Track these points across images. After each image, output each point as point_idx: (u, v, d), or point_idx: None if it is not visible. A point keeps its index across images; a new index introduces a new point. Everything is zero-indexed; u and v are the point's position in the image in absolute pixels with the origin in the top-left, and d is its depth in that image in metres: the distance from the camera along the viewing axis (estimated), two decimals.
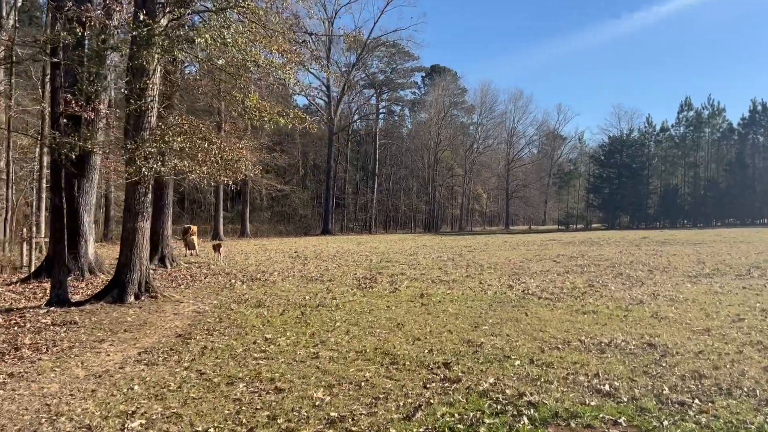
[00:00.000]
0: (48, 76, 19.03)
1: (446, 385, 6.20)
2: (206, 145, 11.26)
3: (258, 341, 8.25)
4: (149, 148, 10.39)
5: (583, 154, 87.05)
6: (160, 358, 7.23)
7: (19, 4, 28.68)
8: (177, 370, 6.69)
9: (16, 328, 9.03)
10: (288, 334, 8.74)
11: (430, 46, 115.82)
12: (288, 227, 55.50)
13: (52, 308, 10.90)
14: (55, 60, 11.46)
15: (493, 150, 79.57)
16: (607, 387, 6.13)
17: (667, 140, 75.07)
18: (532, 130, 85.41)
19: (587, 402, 5.66)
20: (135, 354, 7.49)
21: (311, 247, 30.45)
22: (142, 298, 11.81)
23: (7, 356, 7.20)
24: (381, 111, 69.71)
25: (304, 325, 9.38)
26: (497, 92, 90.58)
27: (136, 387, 5.92)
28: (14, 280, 16.05)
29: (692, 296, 12.53)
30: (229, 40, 10.35)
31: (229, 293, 13.25)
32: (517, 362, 7.19)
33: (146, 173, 10.57)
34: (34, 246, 18.86)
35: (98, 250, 27.73)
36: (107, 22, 10.76)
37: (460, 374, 6.60)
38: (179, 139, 10.72)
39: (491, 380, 6.37)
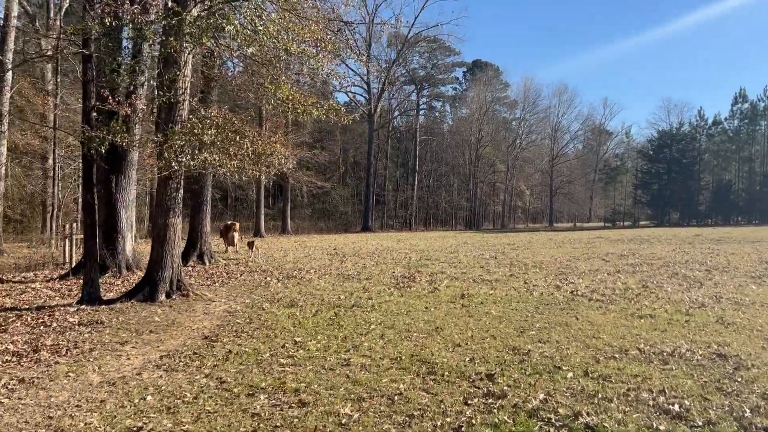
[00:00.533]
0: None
1: (490, 401, 5.49)
2: (237, 139, 10.79)
3: (287, 345, 7.69)
4: (178, 141, 9.97)
5: (631, 149, 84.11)
6: (181, 364, 6.73)
7: (66, 5, 29.12)
8: (197, 377, 6.17)
9: (42, 327, 8.72)
10: (319, 337, 8.15)
11: (471, 41, 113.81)
12: (328, 224, 55.28)
13: (83, 306, 10.62)
14: (86, 52, 11.18)
15: (536, 145, 77.67)
16: (676, 407, 5.33)
17: (720, 134, 71.93)
18: (577, 125, 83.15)
19: (655, 426, 4.88)
20: (156, 358, 7.02)
21: (350, 244, 29.96)
22: (174, 296, 11.45)
23: (24, 359, 6.83)
24: (421, 107, 68.87)
25: (336, 328, 8.79)
26: (541, 87, 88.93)
27: (149, 398, 5.41)
28: (55, 277, 16.01)
29: (759, 299, 11.46)
30: (260, 28, 9.84)
31: (263, 292, 12.79)
32: (570, 374, 6.42)
33: (176, 167, 10.16)
34: (75, 242, 18.90)
35: (139, 247, 27.90)
36: (144, 18, 10.40)
37: (505, 388, 5.88)
38: (210, 132, 10.27)
39: (541, 396, 5.62)
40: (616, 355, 7.28)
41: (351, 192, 62.66)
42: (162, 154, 10.19)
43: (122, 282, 14.59)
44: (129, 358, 6.99)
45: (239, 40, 10.09)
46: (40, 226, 31.84)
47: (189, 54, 11.36)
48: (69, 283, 14.95)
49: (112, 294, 12.36)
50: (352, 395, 5.60)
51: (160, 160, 10.44)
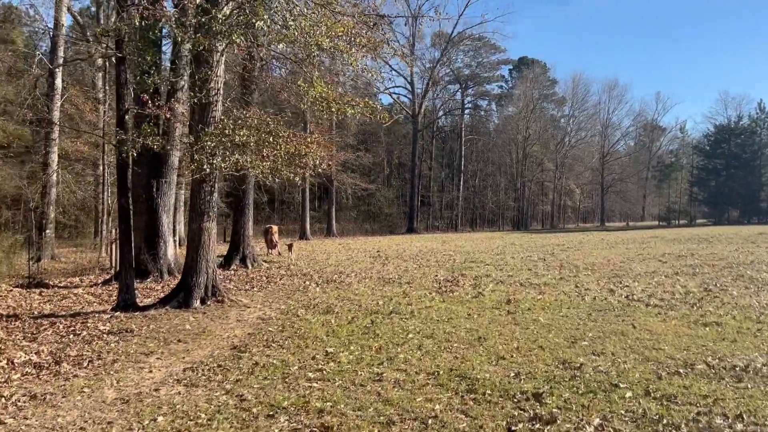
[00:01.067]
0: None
1: (537, 426, 4.82)
2: (271, 139, 10.38)
3: (317, 356, 7.17)
4: (209, 143, 9.62)
5: (686, 144, 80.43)
6: (203, 378, 6.29)
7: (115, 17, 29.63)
8: (216, 393, 5.71)
9: (71, 336, 8.49)
10: (352, 347, 7.60)
11: (517, 37, 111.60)
12: (373, 226, 54.89)
13: (117, 313, 10.41)
14: (119, 54, 11.00)
15: (586, 143, 75.28)
16: None
17: None
18: (628, 122, 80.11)
19: None
20: (179, 371, 6.61)
21: (394, 246, 29.41)
22: (208, 302, 11.13)
23: (44, 371, 6.54)
24: (466, 106, 67.73)
25: (371, 337, 8.22)
26: (590, 82, 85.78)
27: (160, 419, 4.97)
28: (98, 282, 16.06)
29: None
30: (291, 23, 9.39)
31: (301, 297, 12.36)
32: (629, 393, 5.67)
33: (207, 170, 9.82)
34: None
35: (182, 252, 28.14)
36: (182, 19, 10.14)
37: (554, 410, 5.19)
38: (242, 133, 9.89)
39: (597, 421, 4.92)
40: (681, 370, 6.47)
41: (396, 194, 62.09)
42: (194, 156, 9.87)
43: (162, 287, 14.44)
44: (151, 371, 6.61)
45: (269, 37, 9.68)
46: (93, 231, 32.56)
47: (221, 54, 11.04)
48: (111, 288, 14.90)
49: (150, 300, 12.16)
50: (382, 417, 5.02)
51: (192, 162, 10.13)
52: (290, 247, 22.85)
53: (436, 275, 15.88)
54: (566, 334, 8.39)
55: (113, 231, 20.43)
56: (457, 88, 64.76)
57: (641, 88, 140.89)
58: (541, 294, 12.28)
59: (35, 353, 7.29)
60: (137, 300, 12.31)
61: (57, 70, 25.00)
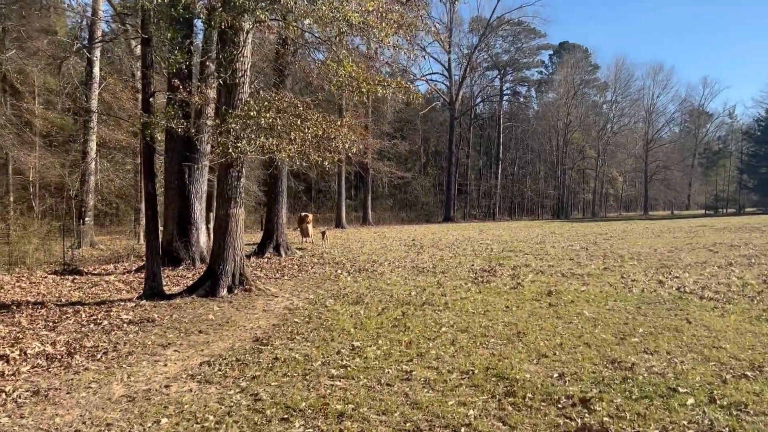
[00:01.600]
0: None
1: None
2: (299, 122, 9.87)
3: (342, 351, 6.66)
4: (233, 125, 9.17)
5: (735, 130, 76.77)
6: (219, 373, 5.84)
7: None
8: (230, 392, 5.25)
9: (92, 325, 8.19)
10: (380, 341, 7.06)
11: (558, 22, 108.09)
12: (410, 214, 54.28)
13: (143, 302, 10.13)
14: (144, 35, 10.64)
15: (629, 129, 72.73)
16: None
17: None
18: (673, 107, 76.97)
19: None
20: (195, 365, 6.19)
21: (430, 235, 28.76)
22: (235, 291, 10.75)
23: (54, 363, 6.20)
24: (505, 92, 66.23)
25: (402, 330, 7.66)
26: (633, 67, 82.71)
27: (163, 420, 4.51)
28: (132, 269, 15.95)
29: None
30: None
31: (331, 286, 11.89)
32: (690, 400, 4.98)
33: (232, 153, 9.38)
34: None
35: None
36: (213, 3, 9.72)
37: (605, 419, 4.55)
38: (268, 115, 9.40)
39: None
40: (748, 373, 5.72)
41: (432, 182, 61.25)
42: (218, 139, 9.45)
43: (194, 275, 14.19)
44: (166, 365, 6.20)
45: (296, 12, 9.14)
46: (132, 219, 32.89)
47: (248, 33, 10.57)
48: (142, 275, 14.75)
49: (178, 288, 11.88)
50: (408, 424, 4.46)
51: (217, 146, 9.72)
52: (323, 234, 22.52)
53: (473, 265, 15.21)
54: (614, 330, 7.68)
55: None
56: (495, 75, 63.37)
57: (687, 72, 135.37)
58: (585, 285, 11.51)
59: (51, 344, 6.98)
60: (164, 288, 12.07)
61: (95, 58, 25.09)
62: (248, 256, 18.80)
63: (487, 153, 67.29)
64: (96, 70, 25.05)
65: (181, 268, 15.77)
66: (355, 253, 19.47)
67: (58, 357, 6.39)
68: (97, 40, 24.02)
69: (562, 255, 17.24)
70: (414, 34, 10.76)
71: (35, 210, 29.15)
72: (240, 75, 10.50)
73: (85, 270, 16.02)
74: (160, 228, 18.91)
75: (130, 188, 30.37)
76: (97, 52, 25.50)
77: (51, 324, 8.31)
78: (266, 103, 9.95)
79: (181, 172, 16.36)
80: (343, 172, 42.12)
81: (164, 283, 13.08)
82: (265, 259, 18.21)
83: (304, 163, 10.15)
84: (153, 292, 10.75)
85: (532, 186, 67.10)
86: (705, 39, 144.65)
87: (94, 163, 26.08)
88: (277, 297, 10.52)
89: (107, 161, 27.51)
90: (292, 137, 9.97)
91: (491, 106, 66.05)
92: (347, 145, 10.27)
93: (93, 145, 25.87)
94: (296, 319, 8.47)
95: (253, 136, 9.30)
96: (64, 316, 8.82)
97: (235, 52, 9.94)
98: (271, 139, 9.39)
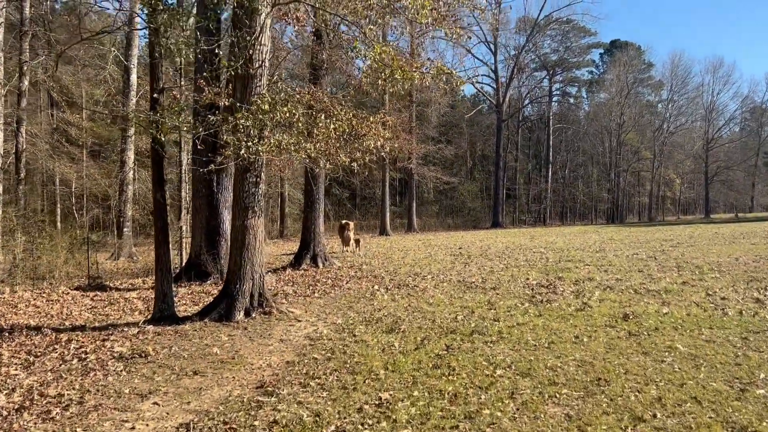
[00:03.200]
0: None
1: None
2: (323, 117, 8.34)
3: (366, 407, 5.01)
4: (243, 121, 7.70)
5: None
6: None
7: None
8: None
9: (74, 361, 6.80)
10: (416, 392, 5.37)
11: (609, 19, 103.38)
12: (456, 220, 52.24)
13: (148, 327, 8.75)
14: (152, 26, 9.34)
15: (687, 129, 68.50)
16: None
17: None
18: (734, 105, 71.94)
19: None
20: (172, 426, 4.67)
21: (478, 243, 26.81)
22: (253, 314, 9.25)
23: None
24: (554, 93, 63.38)
25: (444, 374, 5.94)
26: (691, 63, 77.92)
27: None
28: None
29: None
30: None
31: (364, 306, 10.26)
32: None
33: (245, 154, 7.90)
34: (184, 246, 17.80)
35: (265, 249, 26.92)
36: None
37: None
38: (285, 110, 7.90)
39: None
40: None
41: (479, 187, 58.99)
42: (225, 138, 8.01)
43: (220, 291, 12.86)
44: (134, 428, 4.70)
45: None
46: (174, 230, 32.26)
47: (266, 17, 9.11)
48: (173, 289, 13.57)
49: (199, 307, 10.51)
50: None
51: (224, 146, 8.28)
52: (357, 243, 20.99)
53: (527, 278, 13.32)
54: (725, 374, 5.77)
55: (181, 228, 19.30)
56: (543, 75, 60.71)
57: (749, 67, 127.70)
58: (666, 305, 9.51)
59: (10, 390, 5.60)
60: (182, 308, 10.75)
61: (132, 66, 24.40)
62: (284, 268, 17.47)
63: (537, 156, 64.58)
64: (133, 77, 24.35)
65: (208, 282, 14.51)
66: (396, 264, 17.82)
67: (4, 414, 4.98)
68: (135, 57, 23.29)
69: (629, 266, 15.12)
70: (455, 10, 9.07)
71: (77, 221, 28.77)
72: (257, 65, 9.05)
73: (111, 285, 14.95)
74: (187, 239, 17.83)
75: (169, 198, 29.60)
76: (134, 60, 24.81)
77: (32, 358, 6.97)
78: (283, 95, 8.46)
79: (209, 179, 15.13)
80: (387, 177, 40.57)
81: (185, 301, 11.79)
82: (302, 271, 16.80)
83: (329, 164, 8.59)
84: (163, 314, 9.38)
85: (584, 189, 63.88)
86: (762, 32, 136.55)
87: (132, 172, 25.38)
88: (300, 321, 8.96)
89: (146, 171, 26.73)
90: (315, 134, 8.44)
91: (540, 108, 63.32)
92: (379, 144, 8.65)
93: (131, 155, 25.16)
94: (316, 355, 6.86)
95: (266, 134, 7.80)
96: (52, 348, 7.49)
97: (249, 39, 8.49)
98: (288, 136, 7.87)
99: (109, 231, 27.07)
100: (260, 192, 9.48)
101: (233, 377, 6.09)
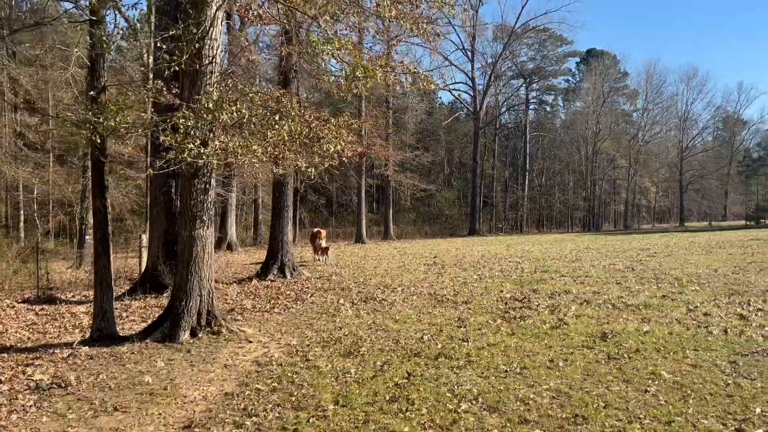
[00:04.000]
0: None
1: None
2: (277, 118, 7.56)
3: None
4: (184, 121, 6.88)
5: None
6: None
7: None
8: None
9: None
10: None
11: (585, 28, 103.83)
12: (433, 228, 51.61)
13: (82, 348, 7.82)
14: (93, 18, 8.50)
15: (662, 138, 68.91)
16: None
17: None
18: (708, 115, 72.56)
19: None
20: None
21: (453, 251, 26.15)
22: (200, 334, 8.37)
23: None
24: (531, 101, 63.34)
25: (401, 410, 5.16)
26: (666, 72, 78.64)
27: None
28: (118, 294, 13.86)
29: None
30: None
31: (326, 323, 9.45)
32: None
33: (187, 157, 7.07)
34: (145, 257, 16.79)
35: (235, 257, 25.84)
36: None
37: None
38: (233, 108, 7.10)
39: None
40: None
41: (456, 194, 58.49)
42: (161, 139, 7.17)
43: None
44: None
45: None
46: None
47: (217, 9, 8.32)
48: (122, 303, 12.65)
49: (148, 323, 9.59)
50: None
51: (166, 150, 7.45)
52: (326, 251, 20.23)
53: (501, 291, 12.64)
54: (717, 408, 5.10)
55: (141, 236, 18.27)
56: (520, 83, 60.65)
57: (722, 77, 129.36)
58: (646, 322, 8.88)
59: None
60: (130, 324, 9.85)
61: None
62: (250, 278, 16.60)
63: (513, 164, 64.41)
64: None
65: (165, 295, 13.51)
66: (367, 274, 17.04)
67: None
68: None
69: (606, 277, 14.54)
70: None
71: (39, 228, 27.50)
72: (206, 62, 8.25)
73: (63, 297, 13.98)
74: (146, 246, 16.83)
75: (135, 204, 28.44)
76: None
77: None
78: (233, 94, 7.67)
79: (167, 185, 14.22)
80: (363, 184, 39.82)
81: (134, 317, 10.88)
82: (268, 282, 15.94)
83: (280, 169, 7.80)
84: (101, 334, 8.48)
85: (561, 197, 63.83)
86: (736, 43, 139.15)
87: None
88: (251, 342, 8.12)
89: (109, 176, 25.56)
90: (269, 136, 7.65)
91: (517, 116, 63.25)
92: (338, 148, 7.89)
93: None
94: (260, 385, 6.03)
95: (211, 135, 7.00)
96: None
97: (196, 32, 7.68)
98: (235, 139, 7.07)
99: (37, 239, 25.84)
100: (210, 200, 8.65)
101: (159, 414, 5.25)
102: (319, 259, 21.91)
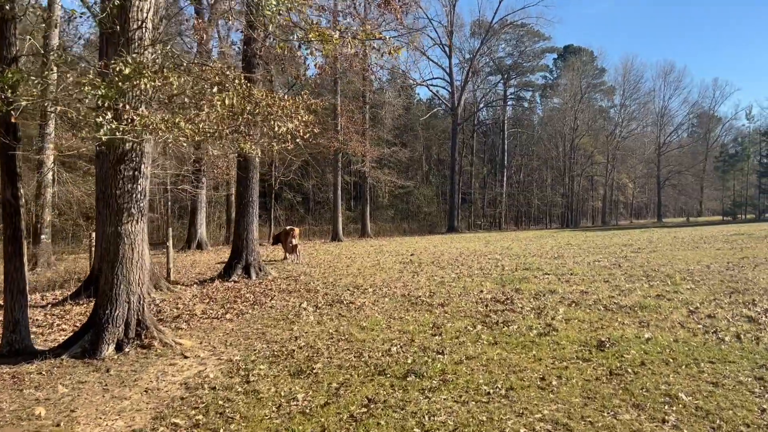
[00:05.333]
0: None
1: None
2: (215, 90, 6.27)
3: None
4: (92, 89, 5.53)
5: (753, 132, 71.45)
6: None
7: None
8: None
9: None
10: None
11: (563, 24, 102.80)
12: (412, 225, 50.44)
13: None
14: None
15: (639, 134, 68.56)
16: None
17: None
18: (684, 110, 72.22)
19: None
20: None
21: (431, 248, 24.95)
22: (127, 348, 7.01)
23: None
24: (509, 97, 62.43)
25: None
26: (643, 67, 78.11)
27: None
28: (61, 298, 12.48)
29: None
30: None
31: (282, 332, 8.15)
32: None
33: (101, 136, 5.73)
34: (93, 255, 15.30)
35: (204, 256, 24.30)
36: None
37: None
38: (156, 77, 5.77)
39: None
40: None
41: (435, 191, 57.38)
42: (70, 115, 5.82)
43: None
44: None
45: None
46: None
47: None
48: (64, 308, 11.24)
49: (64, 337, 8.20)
50: None
51: (80, 127, 6.09)
52: (294, 248, 18.92)
53: (481, 290, 11.46)
54: None
55: (91, 233, 16.73)
56: (498, 79, 59.67)
57: (698, 72, 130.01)
58: (645, 327, 7.75)
59: None
60: (59, 335, 8.46)
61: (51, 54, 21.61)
62: (213, 279, 15.23)
63: (492, 160, 63.52)
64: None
65: None
66: (339, 273, 15.76)
67: None
68: (56, 40, 20.53)
69: (592, 275, 13.45)
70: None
71: None
72: (134, 26, 6.89)
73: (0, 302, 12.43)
74: (90, 247, 15.34)
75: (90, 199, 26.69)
76: (54, 41, 22.05)
77: None
78: (166, 61, 6.34)
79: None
80: (339, 181, 38.45)
81: (66, 325, 9.45)
82: (231, 283, 14.61)
83: (214, 151, 6.46)
84: (12, 348, 7.09)
85: (539, 194, 63.10)
86: (711, 39, 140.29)
87: (51, 173, 22.56)
88: (186, 358, 6.78)
89: (66, 171, 23.81)
90: (206, 111, 6.33)
91: (495, 112, 62.33)
92: (289, 126, 6.60)
93: (50, 153, 22.33)
94: (179, 419, 4.71)
95: (128, 108, 5.66)
96: None
97: None
98: (159, 114, 5.74)
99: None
100: (140, 189, 7.31)
101: None
102: (289, 258, 20.59)
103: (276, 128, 6.52)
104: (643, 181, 73.10)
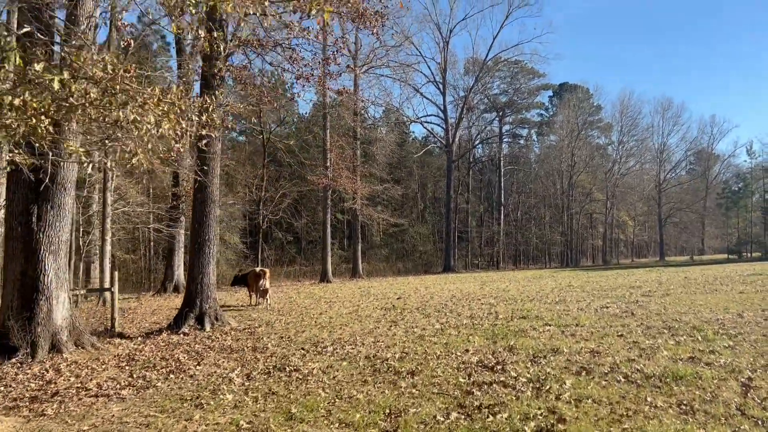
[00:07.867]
0: None
1: None
2: (39, 68, 4.03)
3: None
4: None
5: (755, 168, 69.08)
6: None
7: None
8: None
9: None
10: None
11: (557, 61, 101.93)
12: (407, 264, 47.90)
13: None
14: None
15: (638, 171, 66.49)
16: None
17: None
18: (684, 146, 70.12)
19: None
20: None
21: (423, 290, 22.40)
22: None
23: None
24: (505, 135, 60.71)
25: None
26: (640, 103, 76.17)
27: None
28: None
29: None
30: None
31: (175, 424, 5.67)
32: None
33: None
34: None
35: (174, 301, 21.74)
36: None
37: None
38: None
39: None
40: None
41: (431, 229, 55.01)
42: None
43: (37, 372, 8.18)
44: None
45: None
46: None
47: None
48: None
49: None
50: None
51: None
52: (265, 293, 16.64)
53: (467, 350, 8.96)
54: None
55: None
56: (494, 116, 58.10)
57: (696, 109, 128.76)
58: (690, 415, 5.27)
59: None
60: None
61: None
62: (160, 331, 12.78)
63: (488, 198, 61.36)
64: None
65: (14, 360, 9.61)
66: (306, 323, 13.27)
67: None
68: None
69: (602, 326, 10.94)
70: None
71: None
72: None
73: None
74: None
75: None
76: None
77: None
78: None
79: (27, 212, 10.45)
80: (329, 219, 36.15)
81: None
82: (181, 335, 12.26)
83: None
84: None
85: (537, 232, 60.67)
86: (707, 78, 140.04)
87: None
88: None
89: None
90: (36, 106, 4.04)
91: (490, 149, 60.50)
92: (158, 133, 4.29)
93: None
94: None
95: None
96: None
97: None
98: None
99: None
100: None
101: None
102: (256, 304, 18.16)
103: (131, 120, 4.20)
104: (644, 218, 70.72)
